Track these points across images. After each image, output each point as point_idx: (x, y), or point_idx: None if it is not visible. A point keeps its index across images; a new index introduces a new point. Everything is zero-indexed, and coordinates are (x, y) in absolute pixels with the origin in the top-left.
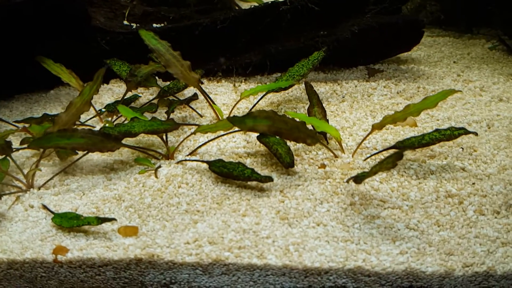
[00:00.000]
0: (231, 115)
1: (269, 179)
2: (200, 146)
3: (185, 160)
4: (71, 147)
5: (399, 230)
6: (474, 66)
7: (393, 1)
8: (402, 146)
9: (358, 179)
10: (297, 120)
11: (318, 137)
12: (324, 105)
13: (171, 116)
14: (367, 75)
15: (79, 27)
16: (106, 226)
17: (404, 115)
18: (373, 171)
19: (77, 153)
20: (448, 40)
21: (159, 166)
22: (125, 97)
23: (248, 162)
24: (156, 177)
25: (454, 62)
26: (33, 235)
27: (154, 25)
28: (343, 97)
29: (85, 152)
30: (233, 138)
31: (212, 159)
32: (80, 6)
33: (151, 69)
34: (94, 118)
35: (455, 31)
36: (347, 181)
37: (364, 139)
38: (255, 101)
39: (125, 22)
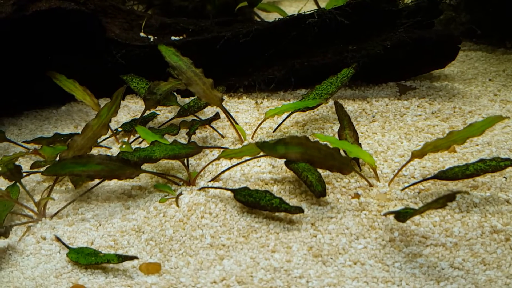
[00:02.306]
0: (255, 136)
1: (299, 210)
2: (223, 172)
3: (208, 187)
4: (86, 175)
5: (443, 269)
6: (511, 84)
7: (427, 14)
8: (444, 177)
9: (401, 216)
10: (330, 146)
11: (352, 165)
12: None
13: (192, 137)
14: (398, 93)
15: (92, 40)
16: (126, 262)
17: (448, 142)
18: (420, 211)
19: (93, 180)
20: (481, 55)
21: (180, 193)
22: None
23: (275, 189)
24: (178, 205)
25: (490, 80)
26: (47, 271)
27: (173, 37)
28: (373, 117)
29: (101, 179)
30: (258, 162)
31: (236, 185)
32: (93, 17)
33: (171, 87)
34: (110, 138)
35: (487, 45)
36: (385, 215)
37: (402, 167)
38: (279, 120)
39: (142, 34)
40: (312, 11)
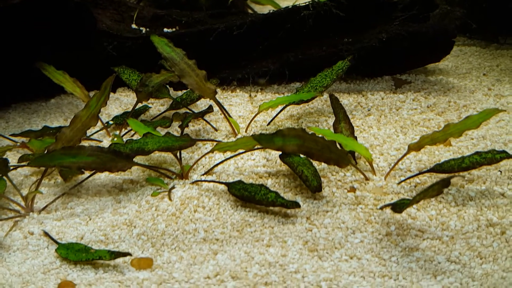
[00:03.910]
0: (249, 129)
1: (295, 205)
2: (216, 165)
3: (201, 180)
4: (76, 167)
5: (439, 263)
6: (505, 79)
7: (422, 8)
8: (441, 170)
9: (398, 207)
10: (327, 139)
11: (350, 158)
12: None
13: (184, 130)
14: (393, 86)
15: (83, 31)
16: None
17: (444, 135)
18: (416, 200)
19: (83, 173)
20: (475, 50)
21: (173, 187)
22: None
23: (269, 183)
24: (170, 199)
25: (484, 74)
26: (34, 267)
27: (165, 29)
28: (368, 110)
29: (92, 172)
30: (252, 156)
31: (230, 179)
32: (83, 7)
33: (163, 79)
34: (101, 132)
35: (481, 39)
36: (381, 208)
37: (399, 160)
38: (274, 113)
39: (133, 26)
40: (307, 3)
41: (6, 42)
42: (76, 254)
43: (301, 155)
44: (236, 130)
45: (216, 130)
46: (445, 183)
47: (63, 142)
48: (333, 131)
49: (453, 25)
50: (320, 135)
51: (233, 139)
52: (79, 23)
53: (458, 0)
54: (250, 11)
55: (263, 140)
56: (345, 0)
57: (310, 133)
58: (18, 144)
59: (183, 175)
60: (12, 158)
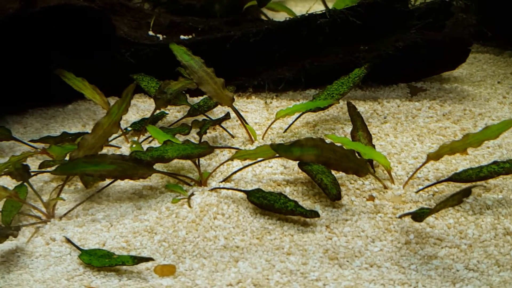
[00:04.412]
0: (265, 136)
1: (315, 214)
2: (235, 172)
3: (220, 188)
4: (99, 175)
5: (458, 271)
6: None
7: (438, 16)
8: (459, 179)
9: (418, 217)
10: (345, 148)
11: (368, 167)
12: None
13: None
14: (409, 94)
15: (102, 38)
16: (140, 264)
17: (463, 145)
18: (437, 209)
19: (104, 179)
20: (489, 57)
21: (192, 194)
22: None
23: (287, 191)
24: (190, 206)
25: (498, 82)
26: (58, 273)
27: (182, 36)
28: (385, 118)
29: (113, 179)
30: (269, 163)
31: (248, 186)
32: (103, 15)
33: (181, 86)
34: (119, 138)
35: (494, 47)
36: (400, 217)
37: (418, 170)
38: (290, 120)
39: (150, 33)
40: (323, 11)
41: (25, 48)
42: (99, 260)
43: None
44: (253, 137)
45: (233, 136)
46: (466, 193)
47: (85, 149)
48: (350, 139)
49: (468, 33)
50: (338, 144)
51: (250, 146)
52: (98, 30)
53: (474, 8)
54: (263, 17)
55: (281, 150)
56: (361, 8)
57: (328, 142)
58: (39, 150)
59: (201, 182)
60: (31, 164)
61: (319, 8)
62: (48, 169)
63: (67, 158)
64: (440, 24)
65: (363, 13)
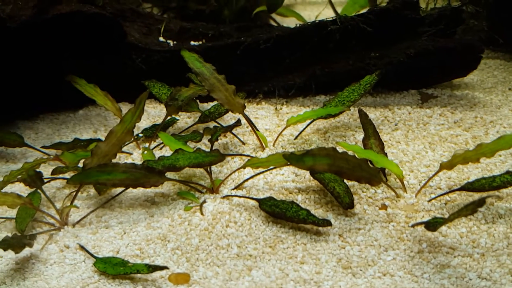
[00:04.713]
0: (276, 143)
1: (327, 223)
2: (246, 180)
3: (232, 195)
4: (111, 184)
5: (471, 280)
6: None
7: (449, 23)
8: (471, 188)
9: (431, 226)
10: (357, 156)
11: (381, 176)
12: None
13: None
14: (420, 101)
15: (113, 44)
16: (155, 272)
17: (476, 155)
18: (450, 219)
19: (117, 187)
20: (500, 63)
21: (204, 201)
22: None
23: (299, 199)
24: (202, 214)
25: (510, 89)
26: (73, 281)
27: (192, 42)
28: (396, 125)
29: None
30: (281, 171)
31: (260, 194)
32: (114, 21)
33: (192, 93)
34: (131, 144)
35: (504, 52)
36: (413, 226)
37: (430, 179)
38: (300, 127)
39: (161, 39)
40: (334, 18)
41: (36, 54)
42: (114, 268)
43: None
44: (263, 144)
45: (243, 143)
46: (480, 203)
47: (99, 157)
48: (362, 146)
49: (479, 39)
50: (350, 152)
51: (260, 153)
52: (110, 36)
53: (485, 14)
54: (273, 23)
55: (293, 160)
56: (372, 15)
57: (340, 151)
58: (52, 157)
59: (213, 189)
60: (43, 170)
61: (328, 13)
62: (61, 175)
63: (79, 164)
64: (451, 30)
65: (374, 19)
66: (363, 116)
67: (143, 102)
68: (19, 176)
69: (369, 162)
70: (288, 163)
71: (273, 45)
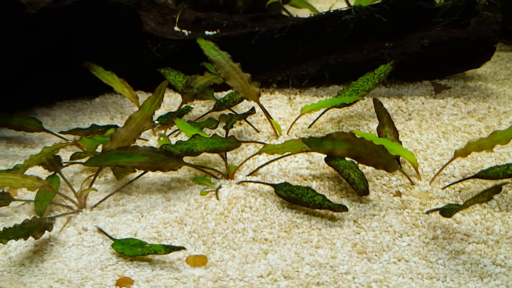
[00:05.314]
0: (290, 131)
1: (343, 208)
2: (261, 166)
3: (247, 181)
4: (131, 166)
5: (485, 266)
6: None
7: (463, 14)
8: (485, 176)
9: (447, 212)
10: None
11: (397, 163)
12: None
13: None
14: (433, 91)
15: (130, 32)
16: (172, 254)
17: (491, 142)
18: (467, 205)
19: (135, 171)
20: None
21: (220, 187)
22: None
23: (314, 185)
24: (218, 198)
25: None
26: (91, 262)
27: (207, 32)
28: (409, 115)
29: (143, 170)
30: (295, 158)
31: (275, 180)
32: (131, 10)
33: (207, 81)
34: (147, 131)
35: None
36: (427, 213)
37: (445, 166)
38: (314, 116)
39: (176, 28)
40: (348, 8)
41: (55, 41)
42: (131, 249)
43: (347, 159)
44: (277, 132)
45: (257, 131)
46: (497, 189)
47: (118, 142)
48: (376, 135)
49: (492, 30)
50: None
51: (274, 140)
52: (127, 24)
53: (499, 6)
54: (284, 13)
55: (312, 143)
56: (387, 5)
57: (359, 137)
58: (70, 142)
59: (228, 175)
60: (62, 155)
61: (340, 5)
62: (79, 160)
63: (97, 150)
64: (464, 21)
65: (388, 10)
66: (377, 105)
67: (162, 90)
68: (38, 160)
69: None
70: (303, 150)
71: (287, 35)
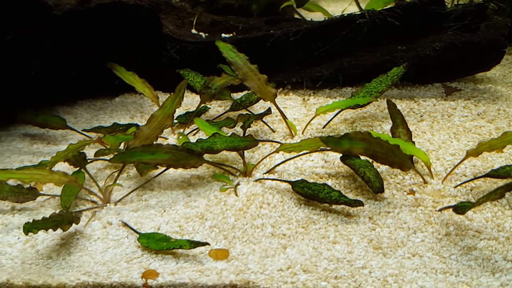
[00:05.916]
0: (305, 131)
1: (359, 203)
2: (278, 164)
3: (264, 178)
4: (155, 163)
5: (496, 261)
6: None
7: (474, 18)
8: (496, 175)
9: (460, 209)
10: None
11: (411, 162)
12: None
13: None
14: (444, 94)
15: (150, 35)
16: (196, 248)
17: (502, 143)
18: (480, 202)
19: (157, 168)
20: None
21: (238, 184)
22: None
23: (329, 183)
24: (236, 195)
25: None
26: (117, 256)
27: (223, 35)
28: (421, 116)
29: (165, 167)
30: (310, 157)
31: (291, 178)
32: (152, 13)
33: (225, 82)
34: (166, 130)
35: None
36: (440, 210)
37: (457, 165)
38: (328, 116)
39: (193, 31)
40: (362, 12)
41: (78, 41)
42: (157, 243)
43: (361, 157)
44: (293, 132)
45: (273, 131)
46: (509, 187)
47: (141, 139)
48: (390, 135)
49: (501, 34)
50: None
51: (290, 140)
52: (147, 27)
53: (509, 11)
54: (297, 16)
55: (330, 142)
56: (399, 9)
57: (375, 137)
58: (94, 139)
59: (246, 173)
60: (85, 151)
61: (352, 9)
62: (103, 157)
63: (120, 147)
64: (475, 26)
65: (401, 14)
66: (391, 106)
67: (182, 89)
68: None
69: None
70: (319, 149)
71: (301, 38)
